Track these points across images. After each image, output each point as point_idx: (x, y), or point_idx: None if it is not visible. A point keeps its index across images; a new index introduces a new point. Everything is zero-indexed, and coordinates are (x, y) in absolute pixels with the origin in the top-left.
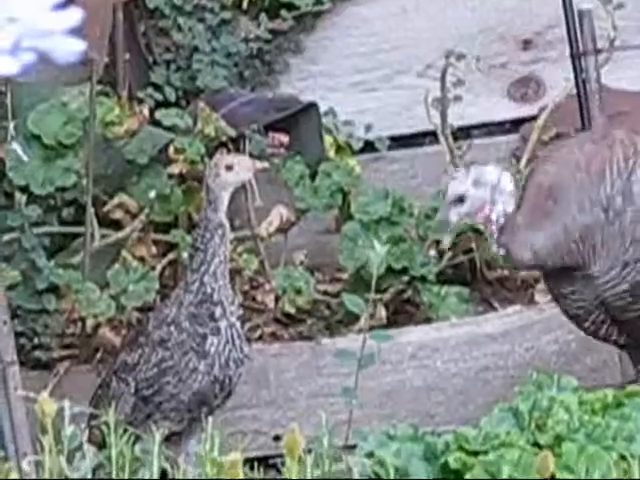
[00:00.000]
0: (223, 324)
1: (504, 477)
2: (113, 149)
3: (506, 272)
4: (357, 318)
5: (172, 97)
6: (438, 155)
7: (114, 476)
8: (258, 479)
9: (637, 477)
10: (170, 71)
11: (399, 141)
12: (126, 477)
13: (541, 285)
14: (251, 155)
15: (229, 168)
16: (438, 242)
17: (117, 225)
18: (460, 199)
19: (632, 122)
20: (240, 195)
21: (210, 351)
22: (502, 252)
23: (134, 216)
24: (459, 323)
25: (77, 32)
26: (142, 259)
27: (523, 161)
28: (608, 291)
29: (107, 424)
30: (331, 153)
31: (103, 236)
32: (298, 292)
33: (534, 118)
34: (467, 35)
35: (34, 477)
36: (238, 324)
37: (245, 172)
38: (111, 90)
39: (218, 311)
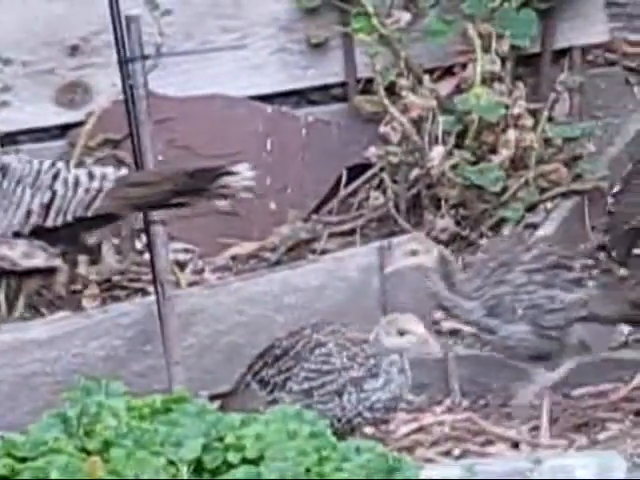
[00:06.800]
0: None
1: None
2: None
3: None
4: None
5: None
6: None
7: None
8: None
9: None
10: None
11: None
12: None
13: (89, 291)
14: None
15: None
16: None
17: None
18: None
19: (179, 128)
20: None
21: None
22: None
23: None
24: (4, 329)
25: None
26: None
27: (72, 165)
28: None
29: None
30: None
31: None
32: None
33: (82, 123)
34: (13, 40)
35: None
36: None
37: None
38: None
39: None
